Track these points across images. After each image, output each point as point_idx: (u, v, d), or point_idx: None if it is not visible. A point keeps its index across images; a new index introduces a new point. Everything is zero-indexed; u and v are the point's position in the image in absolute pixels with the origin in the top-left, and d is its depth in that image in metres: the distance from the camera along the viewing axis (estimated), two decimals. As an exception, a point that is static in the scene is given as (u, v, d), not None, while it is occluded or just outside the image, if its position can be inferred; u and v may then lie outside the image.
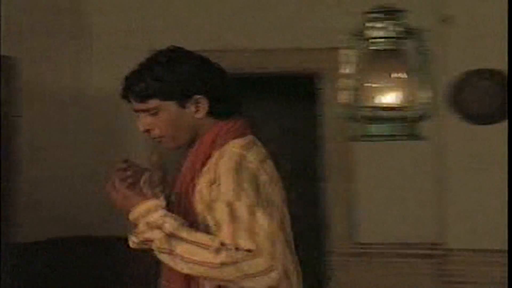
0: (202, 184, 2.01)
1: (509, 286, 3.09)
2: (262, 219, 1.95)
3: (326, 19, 4.10)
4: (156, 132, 2.11)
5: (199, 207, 2.02)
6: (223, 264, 1.89)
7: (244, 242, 1.90)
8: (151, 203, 1.97)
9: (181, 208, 2.04)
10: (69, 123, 4.69)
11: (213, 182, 1.99)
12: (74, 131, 4.73)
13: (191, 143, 2.12)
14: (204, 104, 2.08)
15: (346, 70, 2.66)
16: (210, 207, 1.99)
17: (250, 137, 2.10)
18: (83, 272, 4.73)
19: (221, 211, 1.95)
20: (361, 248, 4.18)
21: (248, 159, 2.01)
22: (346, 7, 3.97)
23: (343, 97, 2.67)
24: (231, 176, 1.97)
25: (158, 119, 2.10)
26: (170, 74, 2.07)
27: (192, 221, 2.00)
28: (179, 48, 2.14)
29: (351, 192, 4.19)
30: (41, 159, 4.42)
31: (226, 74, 2.16)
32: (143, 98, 2.08)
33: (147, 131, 2.11)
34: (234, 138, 2.07)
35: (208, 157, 2.05)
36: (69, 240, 4.66)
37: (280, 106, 5.30)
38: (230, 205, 1.95)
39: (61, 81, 4.74)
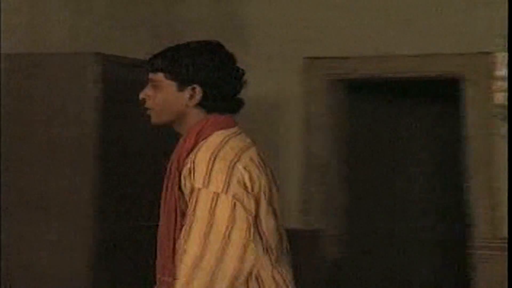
0: (184, 173, 2.10)
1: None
2: (223, 208, 2.03)
3: (475, 23, 4.27)
4: (149, 103, 2.24)
5: (184, 195, 2.11)
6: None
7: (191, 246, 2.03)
8: None
9: (169, 198, 2.15)
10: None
11: (191, 172, 2.08)
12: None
13: (174, 127, 2.25)
14: (198, 94, 2.19)
15: (502, 72, 2.82)
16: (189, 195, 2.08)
17: (234, 129, 2.19)
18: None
19: (191, 199, 2.05)
20: (506, 243, 4.20)
21: (225, 148, 2.10)
22: (492, 12, 4.12)
23: (499, 98, 2.79)
24: (205, 164, 2.06)
25: (157, 93, 2.22)
26: (182, 58, 2.20)
27: (179, 214, 2.12)
28: (217, 43, 2.28)
29: (495, 189, 4.33)
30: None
31: (241, 80, 2.27)
32: (153, 69, 2.24)
33: (143, 100, 2.25)
34: (218, 130, 2.17)
35: (194, 146, 2.14)
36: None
37: (426, 109, 5.49)
38: (197, 191, 2.04)
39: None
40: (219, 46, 2.26)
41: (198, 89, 2.19)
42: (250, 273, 2.05)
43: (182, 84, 2.20)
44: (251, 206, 2.07)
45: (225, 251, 2.02)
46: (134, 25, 4.62)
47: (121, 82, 3.81)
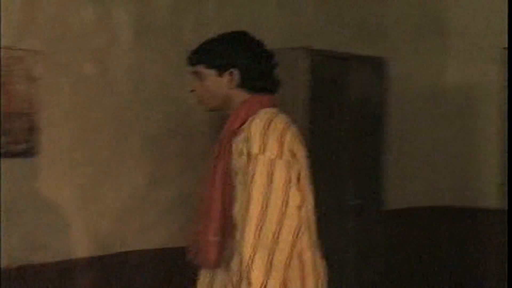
0: (239, 142, 2.25)
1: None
2: (279, 171, 2.17)
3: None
4: (198, 92, 2.44)
5: (236, 164, 2.25)
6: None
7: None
8: None
9: (221, 166, 2.30)
10: (428, 119, 5.45)
11: (247, 140, 2.23)
12: (433, 127, 5.49)
13: (224, 109, 2.41)
14: (236, 76, 2.36)
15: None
16: (244, 163, 2.22)
17: (277, 108, 2.35)
18: (439, 242, 5.32)
19: (249, 164, 2.20)
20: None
21: (275, 121, 2.26)
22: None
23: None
24: (259, 133, 2.21)
25: (202, 83, 2.41)
26: (216, 47, 2.39)
27: (229, 181, 2.27)
28: (243, 32, 2.46)
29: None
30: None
31: (273, 62, 2.43)
32: (193, 63, 2.43)
33: (193, 91, 2.45)
34: (264, 107, 2.33)
35: (243, 122, 2.30)
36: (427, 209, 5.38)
37: None
38: (255, 157, 2.19)
39: (425, 78, 5.47)
40: (246, 34, 2.44)
41: (235, 72, 2.36)
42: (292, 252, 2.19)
43: (220, 70, 2.37)
44: (300, 173, 2.26)
45: (286, 210, 2.16)
46: (341, 20, 4.98)
47: (328, 75, 4.20)
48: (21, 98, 3.30)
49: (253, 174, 2.18)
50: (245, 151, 2.22)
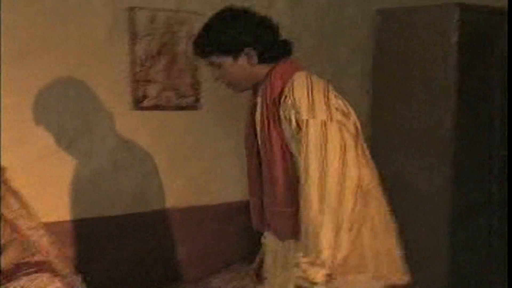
0: (285, 111, 2.22)
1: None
2: (333, 133, 2.15)
3: None
4: (224, 80, 2.41)
5: (289, 132, 2.23)
6: None
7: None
8: None
9: (274, 135, 2.27)
10: None
11: (293, 106, 2.20)
12: None
13: (254, 86, 2.38)
14: (253, 55, 2.32)
15: None
16: (296, 130, 2.21)
17: (307, 69, 2.32)
18: None
19: (301, 130, 2.19)
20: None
21: (314, 82, 2.23)
22: None
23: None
24: (304, 97, 2.19)
25: (222, 71, 2.36)
26: (221, 34, 2.31)
27: (287, 150, 2.25)
28: (230, 9, 2.38)
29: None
30: None
31: (273, 25, 2.38)
32: (204, 56, 2.37)
33: (218, 80, 2.42)
34: (297, 71, 2.29)
35: (282, 89, 2.26)
36: None
37: None
38: (306, 122, 2.17)
39: None
40: (237, 9, 2.38)
41: (250, 51, 2.32)
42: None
43: (235, 54, 2.32)
44: (352, 130, 2.25)
45: (346, 168, 2.15)
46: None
47: (479, 30, 4.24)
48: (184, 57, 3.68)
49: (307, 140, 2.17)
50: (293, 118, 2.21)
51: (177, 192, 3.73)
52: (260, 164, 2.40)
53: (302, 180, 2.17)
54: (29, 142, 3.18)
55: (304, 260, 2.15)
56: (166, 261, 3.64)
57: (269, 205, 2.33)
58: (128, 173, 3.55)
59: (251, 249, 3.84)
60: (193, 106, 3.75)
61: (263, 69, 2.35)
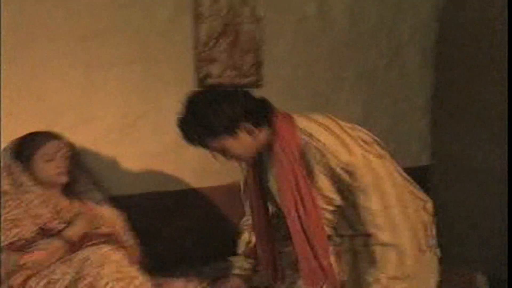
0: (316, 157, 2.27)
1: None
2: (377, 167, 2.29)
3: None
4: (232, 159, 2.41)
5: (322, 180, 2.29)
6: None
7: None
8: None
9: (305, 192, 2.29)
10: None
11: (324, 154, 2.26)
12: None
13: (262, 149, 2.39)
14: (250, 127, 2.31)
15: None
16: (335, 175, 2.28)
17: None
18: None
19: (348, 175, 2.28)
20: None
21: (329, 122, 2.37)
22: None
23: None
24: (333, 140, 2.29)
25: (226, 151, 2.35)
26: (212, 117, 2.25)
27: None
28: (201, 91, 2.39)
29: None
30: None
31: (246, 92, 2.38)
32: (200, 143, 2.33)
33: (227, 159, 2.41)
34: (291, 117, 2.40)
35: (292, 139, 2.29)
36: None
37: None
38: (349, 165, 2.26)
39: None
40: (205, 91, 2.43)
41: (245, 125, 2.32)
42: None
43: (232, 133, 2.31)
44: (381, 151, 2.40)
45: (401, 193, 2.31)
46: None
47: None
48: (248, 37, 3.77)
49: (356, 179, 2.26)
50: (331, 163, 2.27)
51: (238, 169, 3.84)
52: (267, 217, 2.52)
53: (369, 219, 2.27)
54: (97, 120, 3.33)
55: (383, 275, 2.25)
56: (228, 235, 3.75)
57: (306, 259, 2.35)
58: (191, 150, 3.67)
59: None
60: (255, 85, 3.84)
61: (263, 133, 2.36)
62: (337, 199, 2.33)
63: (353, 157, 2.26)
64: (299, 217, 2.31)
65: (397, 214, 2.26)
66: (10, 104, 3.07)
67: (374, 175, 2.26)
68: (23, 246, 2.66)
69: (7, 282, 2.62)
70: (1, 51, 3.01)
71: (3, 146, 2.95)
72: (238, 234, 2.88)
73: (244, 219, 2.82)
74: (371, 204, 2.25)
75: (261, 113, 2.35)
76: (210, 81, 3.67)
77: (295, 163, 2.29)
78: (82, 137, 3.22)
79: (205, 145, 2.35)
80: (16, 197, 2.81)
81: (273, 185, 2.44)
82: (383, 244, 2.25)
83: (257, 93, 3.77)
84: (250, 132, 2.32)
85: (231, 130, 2.29)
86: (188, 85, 3.61)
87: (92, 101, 3.31)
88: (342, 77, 4.21)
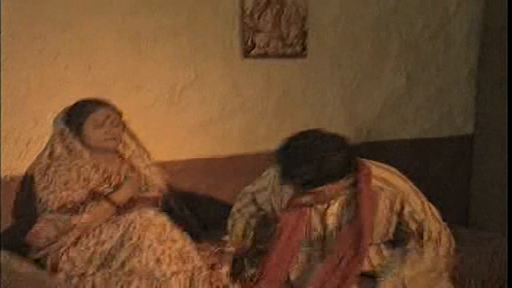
0: (387, 202, 2.55)
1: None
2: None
3: None
4: (316, 201, 2.53)
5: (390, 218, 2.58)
6: None
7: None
8: None
9: (367, 227, 2.52)
10: None
11: (401, 199, 2.56)
12: None
13: None
14: (350, 174, 2.46)
15: None
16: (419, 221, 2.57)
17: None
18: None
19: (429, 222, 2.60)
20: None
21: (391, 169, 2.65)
22: None
23: None
24: (408, 189, 2.61)
25: (318, 196, 2.46)
26: (332, 165, 2.36)
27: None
28: (315, 136, 2.44)
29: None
30: None
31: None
32: (309, 187, 2.40)
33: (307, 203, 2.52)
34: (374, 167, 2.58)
35: (364, 186, 2.51)
36: None
37: None
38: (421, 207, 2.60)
39: None
40: (317, 135, 2.48)
41: (351, 172, 2.48)
42: None
43: (340, 178, 2.44)
44: None
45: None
46: None
47: None
48: (293, 7, 3.85)
49: (424, 229, 2.59)
50: (399, 207, 2.57)
51: (284, 137, 3.94)
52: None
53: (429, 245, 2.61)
54: (145, 89, 3.46)
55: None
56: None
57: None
58: (237, 119, 3.79)
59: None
60: (300, 55, 3.93)
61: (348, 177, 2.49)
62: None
63: (423, 207, 2.61)
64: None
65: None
66: (64, 72, 3.22)
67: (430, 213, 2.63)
68: (73, 209, 2.82)
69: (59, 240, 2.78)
70: (55, 20, 3.14)
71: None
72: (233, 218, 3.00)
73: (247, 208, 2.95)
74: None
75: (354, 163, 2.49)
76: (254, 51, 3.77)
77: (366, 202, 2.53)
78: (131, 105, 3.35)
79: (305, 186, 2.43)
80: (68, 162, 2.97)
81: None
82: None
83: (301, 64, 3.95)
84: (347, 179, 2.46)
85: (340, 177, 2.42)
86: (233, 56, 3.72)
87: (140, 71, 3.43)
88: (387, 48, 4.25)
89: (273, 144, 3.84)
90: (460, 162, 4.62)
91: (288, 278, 2.65)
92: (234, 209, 3.01)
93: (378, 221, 2.55)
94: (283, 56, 3.88)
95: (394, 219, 2.58)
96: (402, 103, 4.35)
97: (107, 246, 2.73)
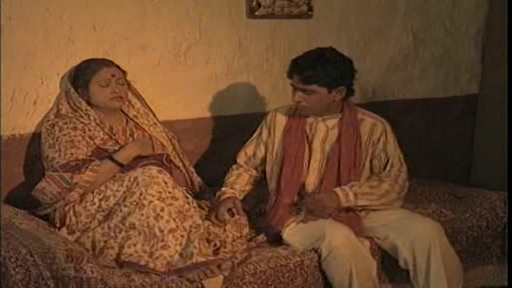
0: (372, 134, 3.01)
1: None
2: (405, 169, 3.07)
3: None
4: (303, 104, 2.92)
5: (375, 147, 3.02)
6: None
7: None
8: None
9: (355, 152, 2.97)
10: None
11: (383, 134, 3.02)
12: None
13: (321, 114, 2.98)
14: (343, 93, 2.92)
15: None
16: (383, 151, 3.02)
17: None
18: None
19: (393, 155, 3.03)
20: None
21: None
22: None
23: None
24: (391, 133, 3.07)
25: (310, 97, 2.89)
26: (332, 69, 2.84)
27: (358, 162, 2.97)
28: (332, 48, 2.94)
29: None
30: None
31: (355, 69, 2.97)
32: (307, 82, 2.85)
33: (299, 101, 2.91)
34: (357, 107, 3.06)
35: (354, 117, 3.00)
36: None
37: None
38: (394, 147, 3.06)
39: None
40: (334, 49, 2.96)
41: (343, 89, 2.92)
42: None
43: (332, 88, 2.89)
44: None
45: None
46: None
47: None
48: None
49: (400, 168, 3.04)
50: (383, 139, 3.02)
51: (289, 96, 3.96)
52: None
53: (390, 172, 3.06)
54: (150, 48, 3.50)
55: None
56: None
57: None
58: (243, 77, 3.83)
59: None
60: (306, 15, 3.94)
61: (338, 103, 2.98)
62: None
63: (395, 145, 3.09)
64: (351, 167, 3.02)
65: None
66: (69, 32, 3.26)
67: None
68: (76, 167, 2.87)
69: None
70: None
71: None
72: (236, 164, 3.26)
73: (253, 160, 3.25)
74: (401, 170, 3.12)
75: (352, 91, 3.01)
76: (260, 11, 3.78)
77: (355, 134, 3.01)
78: (136, 64, 3.39)
79: (303, 87, 2.91)
80: (74, 120, 3.03)
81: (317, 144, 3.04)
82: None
83: (307, 23, 3.95)
84: (339, 96, 2.94)
85: (334, 85, 2.91)
86: (239, 14, 3.74)
87: (145, 30, 3.47)
88: (394, 7, 4.25)
89: (278, 103, 3.93)
90: (465, 122, 4.64)
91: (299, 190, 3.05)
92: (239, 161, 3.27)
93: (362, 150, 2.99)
94: (289, 16, 3.89)
95: (370, 150, 3.02)
96: (408, 62, 4.37)
97: (111, 201, 2.80)
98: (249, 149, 3.23)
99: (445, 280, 2.79)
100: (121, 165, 2.94)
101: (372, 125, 3.03)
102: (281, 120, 3.12)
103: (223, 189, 3.13)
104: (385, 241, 2.93)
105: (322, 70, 2.84)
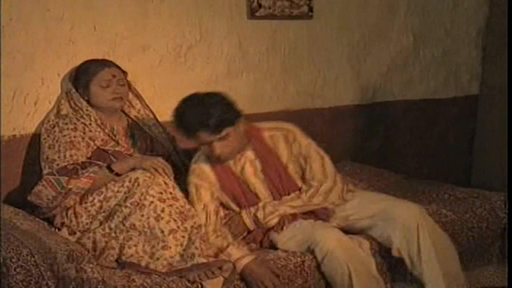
0: (281, 144, 3.00)
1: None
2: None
3: None
4: (226, 151, 2.82)
5: (290, 168, 3.01)
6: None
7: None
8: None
9: (282, 169, 2.98)
10: None
11: (294, 141, 3.01)
12: None
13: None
14: (243, 119, 2.85)
15: None
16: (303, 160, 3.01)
17: None
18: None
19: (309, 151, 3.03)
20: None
21: None
22: None
23: None
24: (300, 131, 3.06)
25: (227, 141, 2.79)
26: (220, 105, 2.76)
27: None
28: (201, 93, 2.84)
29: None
30: None
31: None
32: (218, 128, 2.74)
33: (219, 155, 2.80)
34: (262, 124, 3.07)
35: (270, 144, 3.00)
36: None
37: None
38: (309, 145, 3.04)
39: None
40: (199, 92, 2.87)
41: (241, 117, 2.86)
42: None
43: (235, 121, 2.81)
44: None
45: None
46: None
47: None
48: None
49: (317, 152, 3.03)
50: (298, 144, 3.01)
51: (289, 96, 3.99)
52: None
53: (322, 174, 3.05)
54: (151, 49, 3.51)
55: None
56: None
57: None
58: (243, 78, 3.83)
59: (353, 150, 4.09)
60: (306, 16, 3.94)
61: (245, 133, 2.89)
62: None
63: (310, 142, 3.07)
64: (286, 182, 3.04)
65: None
66: (70, 32, 3.26)
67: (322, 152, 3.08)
68: (73, 171, 2.86)
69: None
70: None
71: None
72: None
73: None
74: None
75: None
76: (261, 12, 3.78)
77: (262, 149, 2.98)
78: (137, 64, 3.40)
79: (220, 136, 2.79)
80: (74, 121, 3.03)
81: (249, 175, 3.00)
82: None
83: (308, 24, 3.96)
84: (244, 125, 2.87)
85: (236, 120, 2.83)
86: (239, 15, 3.74)
87: (146, 30, 3.47)
88: (394, 8, 4.26)
89: (279, 104, 3.93)
90: (465, 123, 4.64)
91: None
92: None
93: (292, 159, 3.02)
94: (290, 17, 3.89)
95: (291, 159, 3.00)
96: (408, 63, 4.37)
97: (112, 202, 2.81)
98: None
99: (435, 260, 2.79)
100: (117, 174, 2.91)
101: (284, 136, 3.02)
102: (208, 173, 2.99)
103: None
104: (376, 233, 2.93)
105: (222, 110, 2.77)
